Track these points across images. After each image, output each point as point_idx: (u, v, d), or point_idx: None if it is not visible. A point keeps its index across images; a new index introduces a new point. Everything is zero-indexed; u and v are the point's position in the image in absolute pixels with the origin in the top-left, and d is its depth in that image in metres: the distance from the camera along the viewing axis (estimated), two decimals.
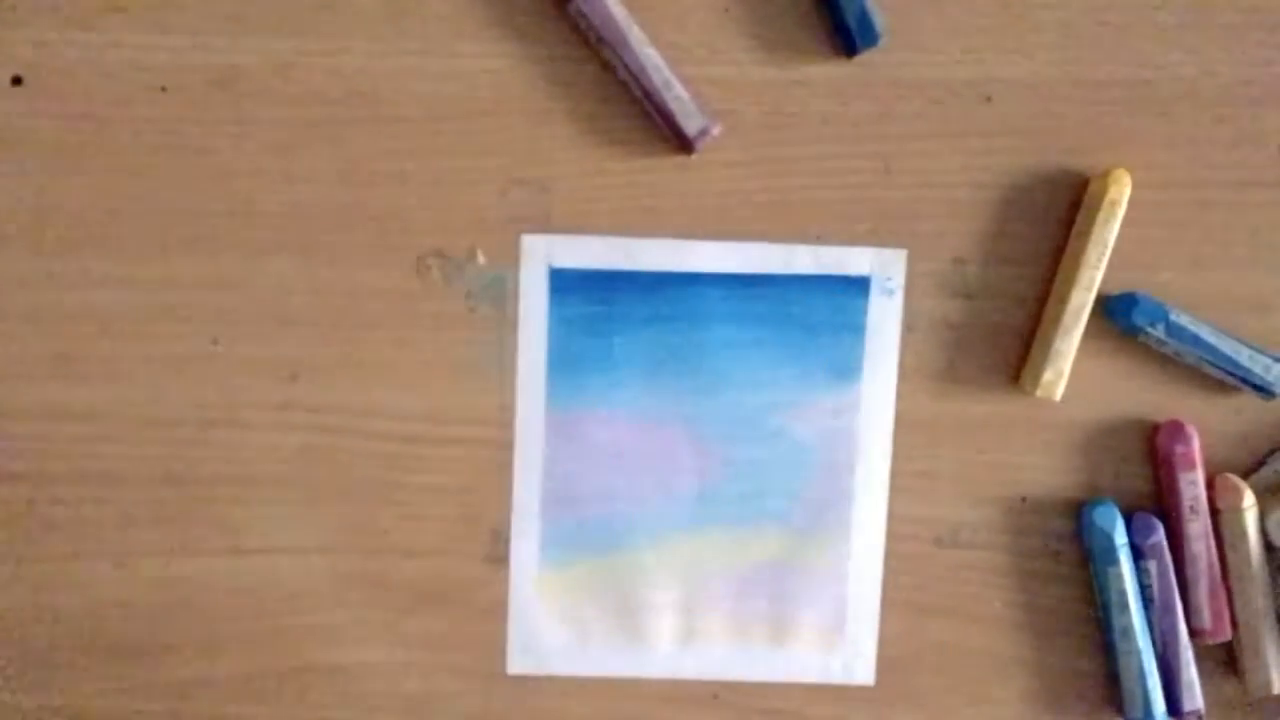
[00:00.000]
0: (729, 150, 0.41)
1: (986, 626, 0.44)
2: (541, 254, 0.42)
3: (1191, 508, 0.43)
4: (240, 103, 0.40)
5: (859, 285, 0.42)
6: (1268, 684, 0.43)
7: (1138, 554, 0.43)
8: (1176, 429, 0.43)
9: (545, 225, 0.42)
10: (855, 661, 0.44)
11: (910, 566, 0.44)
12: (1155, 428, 0.43)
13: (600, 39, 0.39)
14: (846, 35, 0.40)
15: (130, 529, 0.42)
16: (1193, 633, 0.43)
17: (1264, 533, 0.43)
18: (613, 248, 0.42)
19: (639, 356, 0.42)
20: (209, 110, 0.40)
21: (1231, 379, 0.42)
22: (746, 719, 0.44)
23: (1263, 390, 0.42)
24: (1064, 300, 0.41)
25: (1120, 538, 0.42)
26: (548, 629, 0.43)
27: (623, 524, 0.43)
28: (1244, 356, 0.42)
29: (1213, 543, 0.43)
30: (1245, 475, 0.43)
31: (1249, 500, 0.43)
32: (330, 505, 0.43)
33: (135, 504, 0.42)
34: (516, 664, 0.44)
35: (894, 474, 0.43)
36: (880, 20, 0.40)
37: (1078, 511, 0.44)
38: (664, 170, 0.42)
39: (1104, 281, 0.41)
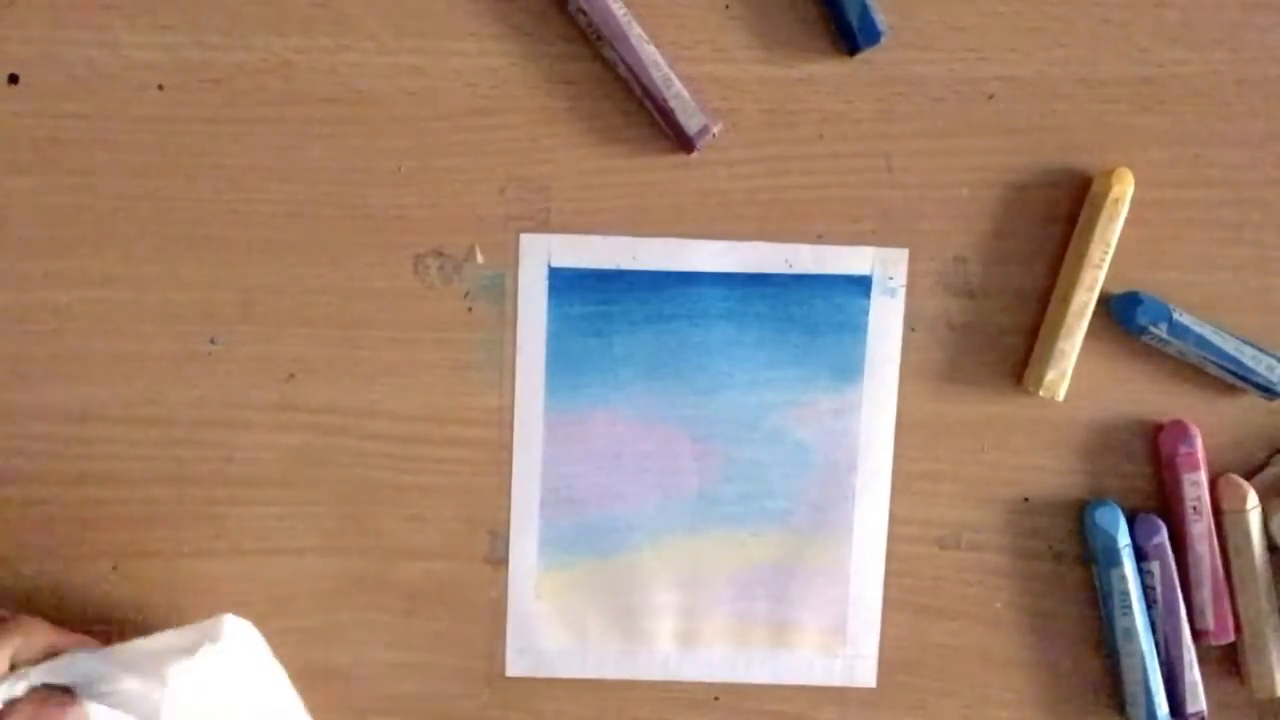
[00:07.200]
0: (729, 149, 0.41)
1: (989, 628, 0.44)
2: (541, 253, 0.42)
3: (1195, 509, 0.42)
4: (238, 101, 0.40)
5: (860, 285, 0.42)
6: (1271, 686, 0.43)
7: (1140, 555, 0.43)
8: (1180, 429, 0.43)
9: (544, 224, 0.41)
10: (857, 663, 0.44)
11: (912, 568, 0.44)
12: (1158, 428, 0.43)
13: (600, 37, 0.39)
14: (848, 33, 0.40)
15: (128, 529, 0.42)
16: (1196, 634, 0.43)
17: (1268, 534, 0.43)
18: (612, 247, 0.42)
19: (639, 356, 0.42)
20: (206, 109, 0.40)
21: (1235, 379, 0.42)
22: None
23: (1266, 390, 0.42)
24: (1067, 300, 0.41)
25: (1123, 539, 0.42)
26: (547, 631, 0.43)
27: (622, 525, 0.43)
28: (1247, 356, 0.42)
29: (1216, 544, 0.43)
30: (1249, 476, 0.43)
31: (1252, 501, 0.42)
32: (328, 506, 0.42)
33: (133, 504, 0.42)
34: (515, 666, 0.43)
35: (895, 475, 0.43)
36: (882, 18, 0.40)
37: (1080, 512, 0.43)
38: (664, 169, 0.41)
39: (1107, 281, 0.41)
